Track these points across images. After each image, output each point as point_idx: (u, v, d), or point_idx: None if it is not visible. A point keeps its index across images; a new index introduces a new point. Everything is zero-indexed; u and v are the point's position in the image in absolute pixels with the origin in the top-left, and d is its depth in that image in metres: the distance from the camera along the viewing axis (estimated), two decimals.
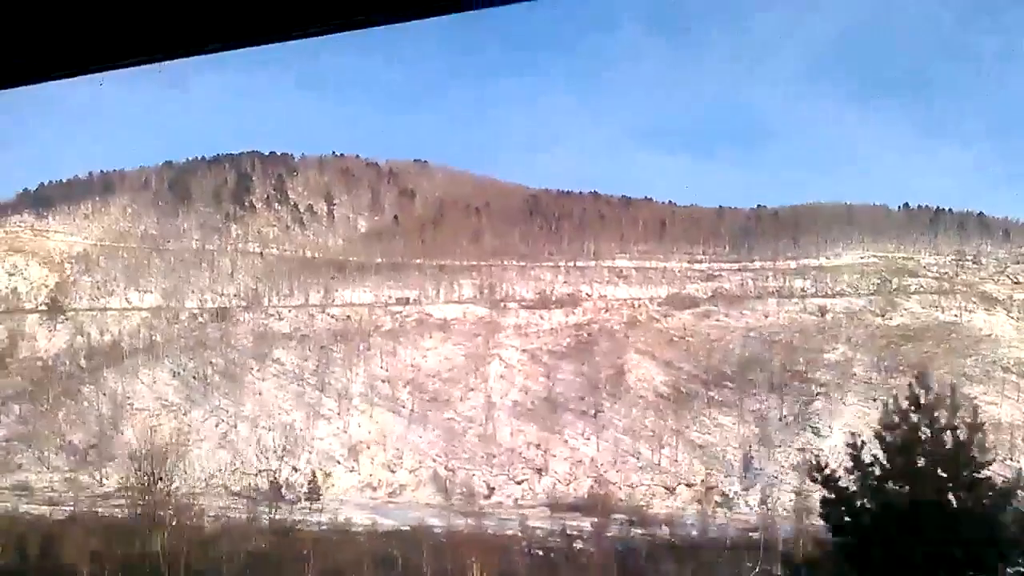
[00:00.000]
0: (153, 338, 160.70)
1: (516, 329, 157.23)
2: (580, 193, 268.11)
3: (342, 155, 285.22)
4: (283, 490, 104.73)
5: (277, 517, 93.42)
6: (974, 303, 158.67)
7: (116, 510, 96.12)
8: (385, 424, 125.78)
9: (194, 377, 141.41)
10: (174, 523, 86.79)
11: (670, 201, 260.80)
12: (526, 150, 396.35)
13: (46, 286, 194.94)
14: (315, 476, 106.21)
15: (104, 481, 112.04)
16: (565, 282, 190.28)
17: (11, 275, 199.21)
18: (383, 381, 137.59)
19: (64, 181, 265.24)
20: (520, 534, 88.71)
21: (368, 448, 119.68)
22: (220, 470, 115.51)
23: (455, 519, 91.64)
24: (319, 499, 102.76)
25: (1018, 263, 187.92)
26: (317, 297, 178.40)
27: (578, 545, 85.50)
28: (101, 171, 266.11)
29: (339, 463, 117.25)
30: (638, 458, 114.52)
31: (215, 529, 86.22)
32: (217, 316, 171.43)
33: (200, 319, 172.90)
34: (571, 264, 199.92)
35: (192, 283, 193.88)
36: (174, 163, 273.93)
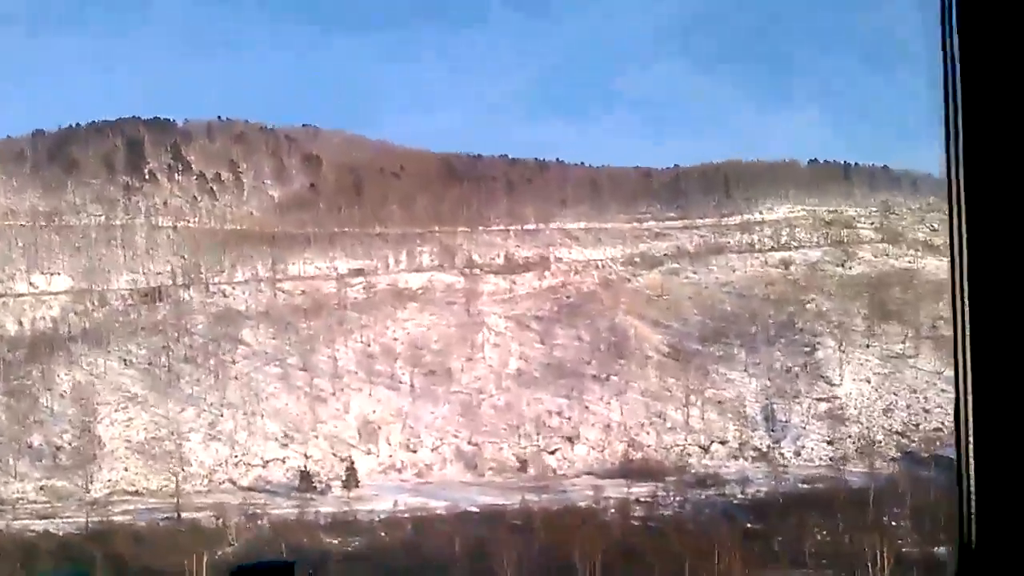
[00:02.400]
0: (84, 325, 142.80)
1: (491, 296, 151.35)
2: (492, 156, 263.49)
3: (229, 120, 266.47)
4: (313, 480, 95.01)
5: (326, 510, 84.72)
6: (918, 251, 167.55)
7: (126, 517, 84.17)
8: (388, 402, 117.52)
9: (150, 364, 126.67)
10: (223, 525, 77.27)
11: (582, 163, 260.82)
12: (409, 112, 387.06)
13: None
14: (352, 462, 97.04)
15: (89, 486, 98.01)
16: (518, 246, 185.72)
17: None
18: (369, 357, 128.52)
19: None
20: (595, 505, 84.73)
21: (379, 429, 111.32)
22: (221, 464, 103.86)
23: (523, 495, 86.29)
24: (357, 485, 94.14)
25: (932, 212, 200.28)
26: (260, 272, 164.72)
27: (667, 512, 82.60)
28: None
29: (352, 446, 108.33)
30: (664, 419, 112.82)
31: (275, 529, 76.65)
32: (152, 297, 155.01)
33: (130, 301, 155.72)
34: (517, 228, 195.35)
35: (105, 262, 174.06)
36: (46, 132, 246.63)
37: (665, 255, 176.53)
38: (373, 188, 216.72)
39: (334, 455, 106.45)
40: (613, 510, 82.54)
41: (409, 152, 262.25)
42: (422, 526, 74.29)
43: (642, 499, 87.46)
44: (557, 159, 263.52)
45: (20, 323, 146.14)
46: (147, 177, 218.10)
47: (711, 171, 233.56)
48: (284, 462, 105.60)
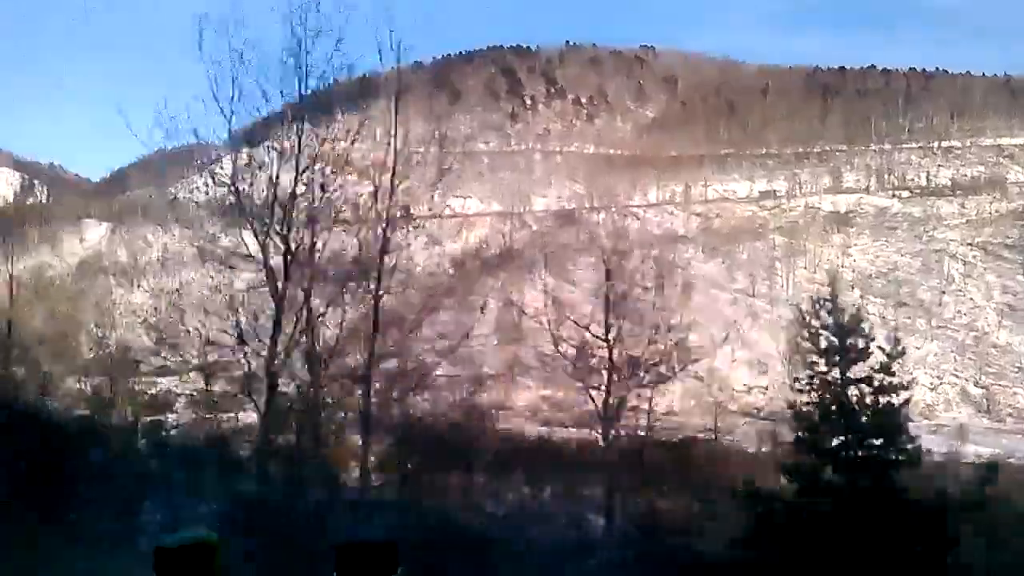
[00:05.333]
0: (514, 245, 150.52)
1: (939, 221, 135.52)
2: (858, 68, 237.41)
3: (577, 44, 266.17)
4: None
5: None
6: None
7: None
8: None
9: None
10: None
11: (967, 72, 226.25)
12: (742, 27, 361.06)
13: None
14: None
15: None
16: (941, 165, 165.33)
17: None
18: (823, 285, 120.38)
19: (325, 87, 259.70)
20: None
21: None
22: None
23: None
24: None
25: None
26: (670, 194, 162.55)
27: None
28: (361, 75, 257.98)
29: None
30: None
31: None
32: (567, 219, 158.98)
33: (547, 223, 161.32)
34: (934, 145, 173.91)
35: (507, 186, 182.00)
36: (423, 63, 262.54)
37: None
38: (744, 106, 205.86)
39: None
40: None
41: (763, 67, 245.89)
42: None
43: None
44: (937, 68, 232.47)
45: (456, 241, 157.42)
46: (527, 104, 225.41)
47: None
48: (765, 391, 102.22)
